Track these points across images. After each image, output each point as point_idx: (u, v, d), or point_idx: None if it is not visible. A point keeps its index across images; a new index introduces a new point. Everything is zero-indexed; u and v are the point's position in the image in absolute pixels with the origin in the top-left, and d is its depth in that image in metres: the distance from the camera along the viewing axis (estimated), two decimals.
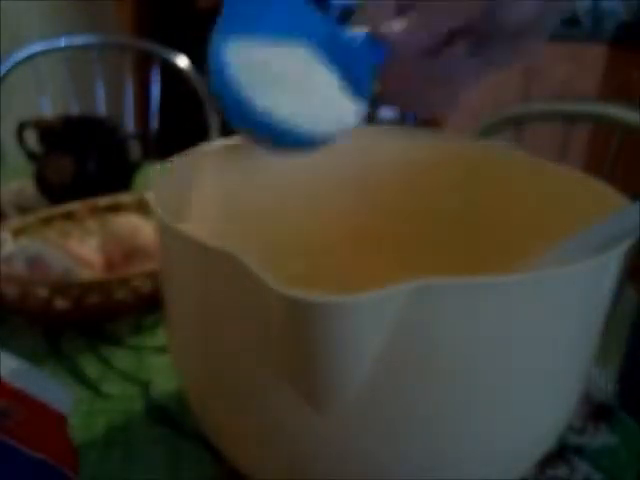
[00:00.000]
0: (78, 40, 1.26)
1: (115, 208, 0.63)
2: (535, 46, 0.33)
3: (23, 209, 0.69)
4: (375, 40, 0.32)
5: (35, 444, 0.28)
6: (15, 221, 0.58)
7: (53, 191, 0.72)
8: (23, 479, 0.27)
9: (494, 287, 0.21)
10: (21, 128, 0.75)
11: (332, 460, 0.25)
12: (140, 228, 0.56)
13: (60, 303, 0.46)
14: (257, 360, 0.24)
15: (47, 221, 0.60)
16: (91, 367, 0.45)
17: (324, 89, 0.32)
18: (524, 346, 0.23)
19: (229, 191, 0.39)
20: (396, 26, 0.31)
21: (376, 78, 0.33)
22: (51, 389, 0.32)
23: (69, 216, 0.61)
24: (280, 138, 0.31)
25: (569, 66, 2.44)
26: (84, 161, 0.72)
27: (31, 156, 0.75)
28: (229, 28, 0.30)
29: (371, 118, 2.56)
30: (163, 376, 0.44)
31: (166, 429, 0.39)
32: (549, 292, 0.22)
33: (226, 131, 0.33)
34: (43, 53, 1.22)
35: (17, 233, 0.56)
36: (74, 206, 0.62)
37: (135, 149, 0.78)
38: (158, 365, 0.46)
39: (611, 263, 0.25)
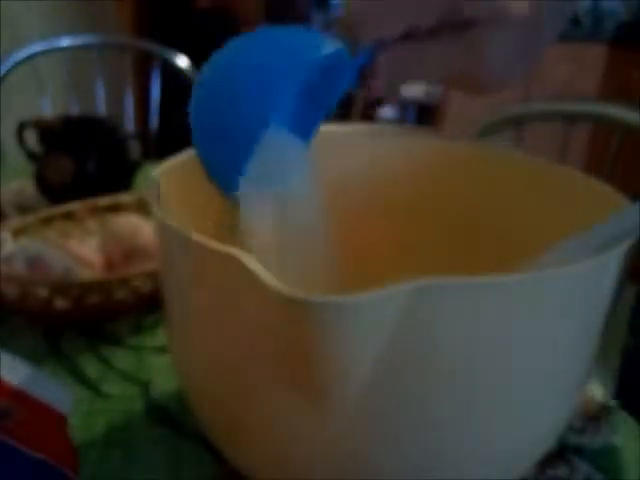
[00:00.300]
0: (78, 40, 1.26)
1: (115, 208, 0.63)
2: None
3: (23, 209, 0.69)
4: (353, 50, 0.30)
5: (35, 444, 0.28)
6: (15, 221, 0.58)
7: (53, 191, 0.72)
8: (23, 479, 0.27)
9: (494, 287, 0.21)
10: (21, 128, 0.75)
11: (332, 460, 0.25)
12: (140, 228, 0.56)
13: (60, 303, 0.46)
14: (257, 360, 0.24)
15: (47, 221, 0.60)
16: (91, 367, 0.45)
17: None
18: (524, 346, 0.23)
19: None
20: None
21: (364, 78, 0.32)
22: (51, 389, 0.32)
23: (69, 216, 0.61)
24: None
25: (569, 66, 2.44)
26: (84, 161, 0.72)
27: (31, 156, 0.75)
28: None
29: (371, 118, 2.56)
30: (163, 376, 0.44)
31: (166, 429, 0.39)
32: (549, 292, 0.22)
33: None
34: (43, 53, 1.22)
35: (17, 233, 0.56)
36: (74, 206, 0.62)
37: (135, 149, 0.78)
38: (158, 365, 0.46)
39: (611, 263, 0.25)
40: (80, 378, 0.44)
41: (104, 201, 0.63)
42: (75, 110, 1.31)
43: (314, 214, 0.32)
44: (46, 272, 0.50)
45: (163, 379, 0.44)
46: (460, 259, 0.39)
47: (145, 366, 0.46)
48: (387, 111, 2.62)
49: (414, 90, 2.55)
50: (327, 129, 0.42)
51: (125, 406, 0.41)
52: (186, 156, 0.35)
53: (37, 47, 1.21)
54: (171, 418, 0.40)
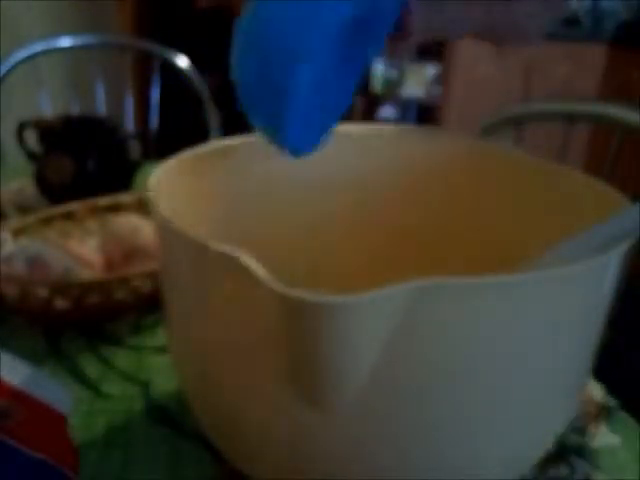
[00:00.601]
0: (78, 40, 1.26)
1: (115, 208, 0.63)
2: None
3: (23, 209, 0.69)
4: None
5: (35, 444, 0.28)
6: (15, 221, 0.58)
7: (53, 191, 0.72)
8: (23, 479, 0.27)
9: (494, 287, 0.21)
10: (21, 128, 0.75)
11: (332, 460, 0.25)
12: (140, 228, 0.56)
13: (60, 303, 0.46)
14: (257, 360, 0.24)
15: (47, 221, 0.60)
16: (91, 367, 0.45)
17: None
18: (524, 346, 0.23)
19: (229, 191, 0.39)
20: None
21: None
22: (51, 389, 0.32)
23: (69, 216, 0.61)
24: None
25: (569, 66, 2.44)
26: (84, 161, 0.72)
27: (31, 156, 0.75)
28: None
29: (371, 117, 2.56)
30: (163, 376, 0.44)
31: (166, 429, 0.39)
32: (549, 292, 0.22)
33: (226, 131, 0.33)
34: (43, 53, 1.22)
35: (17, 233, 0.56)
36: (74, 206, 0.62)
37: (135, 149, 0.78)
38: (158, 365, 0.46)
39: (611, 263, 0.25)
40: (80, 378, 0.44)
41: (104, 201, 0.63)
42: (75, 110, 1.30)
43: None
44: (46, 272, 0.50)
45: (163, 379, 0.44)
46: (460, 259, 0.39)
47: (145, 366, 0.46)
48: (387, 111, 2.62)
49: (414, 90, 2.55)
50: None
51: (125, 406, 0.41)
52: (186, 156, 0.35)
53: (37, 47, 1.21)
54: (171, 418, 0.40)
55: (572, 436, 0.39)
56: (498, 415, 0.24)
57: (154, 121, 1.30)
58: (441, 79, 2.51)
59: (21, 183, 0.75)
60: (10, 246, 0.52)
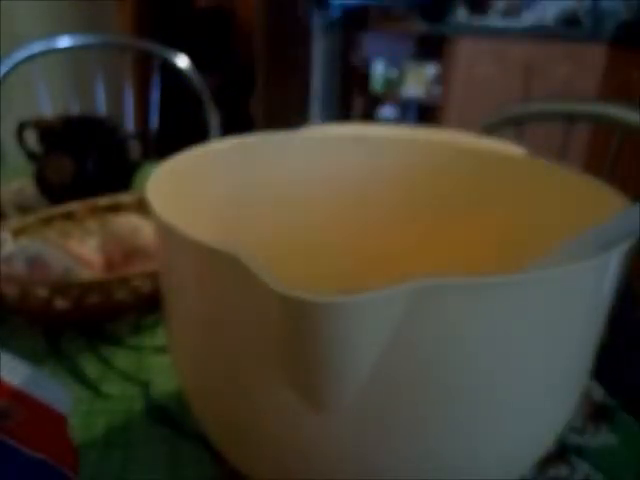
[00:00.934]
0: (78, 40, 1.26)
1: (115, 208, 0.63)
2: None
3: (23, 209, 0.69)
4: None
5: (35, 444, 0.28)
6: (15, 221, 0.58)
7: (53, 191, 0.72)
8: (23, 479, 0.27)
9: (494, 287, 0.21)
10: (21, 128, 0.75)
11: (332, 460, 0.25)
12: (140, 228, 0.56)
13: (60, 303, 0.46)
14: (257, 360, 0.24)
15: (47, 221, 0.60)
16: (91, 367, 0.45)
17: None
18: (524, 346, 0.23)
19: (229, 191, 0.39)
20: None
21: None
22: (51, 389, 0.32)
23: (69, 216, 0.61)
24: None
25: (569, 66, 2.44)
26: (84, 161, 0.72)
27: (31, 156, 0.75)
28: None
29: (371, 117, 2.56)
30: (163, 376, 0.44)
31: (166, 429, 0.39)
32: (549, 292, 0.22)
33: (226, 131, 0.33)
34: (43, 53, 1.22)
35: (17, 233, 0.56)
36: (74, 206, 0.62)
37: (135, 149, 0.78)
38: (158, 365, 0.46)
39: (611, 263, 0.25)
40: (80, 378, 0.44)
41: (104, 201, 0.63)
42: (75, 110, 1.31)
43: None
44: (46, 272, 0.50)
45: (163, 379, 0.44)
46: (460, 259, 0.39)
47: (145, 366, 0.46)
48: (387, 111, 2.62)
49: (414, 90, 2.55)
50: (327, 129, 0.42)
51: (125, 406, 0.41)
52: (185, 156, 0.35)
53: (37, 47, 1.21)
54: (171, 418, 0.40)
55: (572, 436, 0.39)
56: (498, 415, 0.24)
57: (154, 121, 1.31)
58: (441, 79, 2.51)
59: (21, 183, 0.75)
60: (10, 246, 0.52)
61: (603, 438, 0.39)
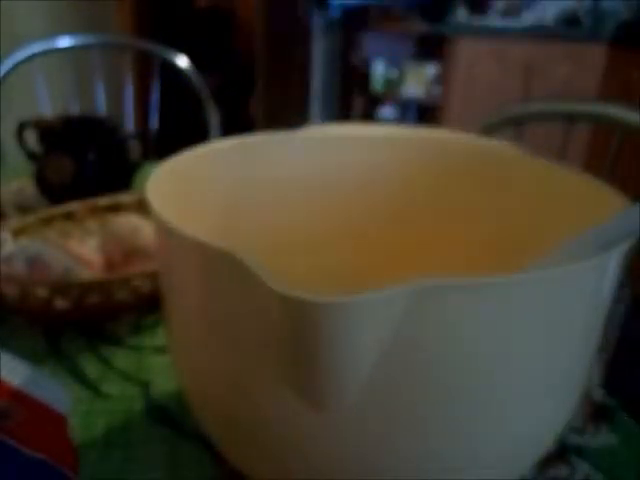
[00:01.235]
0: (78, 40, 1.26)
1: (115, 208, 0.63)
2: None
3: (23, 209, 0.69)
4: None
5: (35, 444, 0.28)
6: (15, 221, 0.58)
7: (53, 191, 0.72)
8: (23, 479, 0.27)
9: (494, 287, 0.21)
10: (21, 128, 0.75)
11: (332, 460, 0.25)
12: (140, 228, 0.56)
13: (60, 303, 0.46)
14: (257, 360, 0.24)
15: (47, 221, 0.60)
16: (91, 367, 0.45)
17: None
18: (524, 346, 0.23)
19: (229, 191, 0.39)
20: None
21: None
22: (51, 389, 0.32)
23: (69, 216, 0.61)
24: None
25: (569, 66, 2.44)
26: (84, 161, 0.72)
27: (31, 156, 0.75)
28: None
29: (371, 117, 2.56)
30: (163, 376, 0.44)
31: (166, 429, 0.39)
32: (549, 292, 0.22)
33: (226, 131, 0.33)
34: (43, 53, 1.22)
35: (17, 233, 0.56)
36: (74, 206, 0.62)
37: (135, 149, 0.78)
38: (158, 365, 0.46)
39: (611, 263, 0.25)
40: (80, 378, 0.44)
41: (104, 201, 0.63)
42: (75, 110, 1.31)
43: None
44: (46, 272, 0.50)
45: (163, 379, 0.44)
46: (460, 259, 0.39)
47: (145, 366, 0.46)
48: (387, 111, 2.62)
49: (414, 90, 2.55)
50: (327, 129, 0.42)
51: (125, 406, 0.41)
52: (185, 156, 0.35)
53: (37, 47, 1.21)
54: (171, 418, 0.40)
55: (572, 436, 0.39)
56: (498, 415, 0.24)
57: (154, 121, 1.31)
58: (441, 79, 2.51)
59: (21, 183, 0.75)
60: (10, 246, 0.52)
61: (603, 438, 0.39)
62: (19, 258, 0.51)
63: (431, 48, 2.55)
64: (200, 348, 0.28)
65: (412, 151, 0.42)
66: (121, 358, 0.46)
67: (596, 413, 0.41)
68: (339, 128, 0.42)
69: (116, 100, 1.38)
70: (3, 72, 1.17)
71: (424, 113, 2.65)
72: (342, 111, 2.69)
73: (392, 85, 2.59)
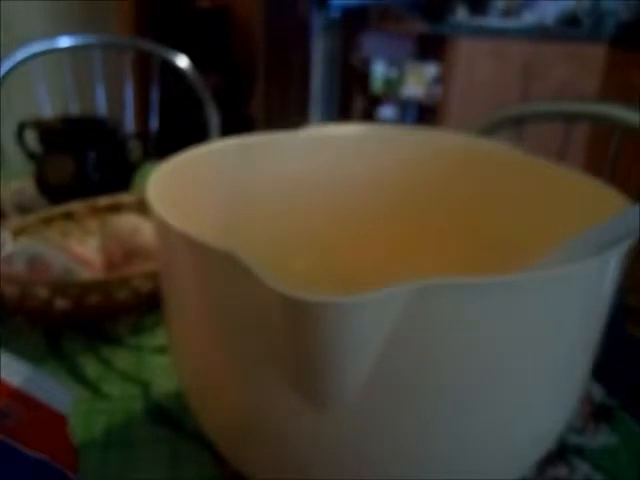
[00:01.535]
0: (78, 40, 1.26)
1: (115, 208, 0.63)
2: None
3: (23, 209, 0.69)
4: None
5: (35, 444, 0.28)
6: (15, 221, 0.58)
7: (53, 191, 0.72)
8: (23, 479, 0.27)
9: (494, 287, 0.21)
10: (21, 128, 0.75)
11: (332, 460, 0.25)
12: (140, 228, 0.56)
13: (60, 303, 0.46)
14: (257, 360, 0.24)
15: (47, 221, 0.60)
16: (91, 367, 0.45)
17: None
18: (525, 346, 0.23)
19: (229, 191, 0.39)
20: None
21: None
22: (51, 389, 0.32)
23: (69, 216, 0.61)
24: None
25: (569, 66, 2.44)
26: (84, 161, 0.72)
27: (31, 156, 0.75)
28: None
29: (371, 117, 2.56)
30: (163, 376, 0.44)
31: (166, 429, 0.39)
32: (549, 292, 0.22)
33: (226, 131, 0.33)
34: (43, 53, 1.22)
35: (17, 233, 0.56)
36: (74, 206, 0.62)
37: (135, 149, 0.78)
38: (158, 365, 0.46)
39: (611, 263, 0.25)
40: (80, 378, 0.44)
41: (104, 201, 0.63)
42: (75, 110, 1.31)
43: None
44: (46, 272, 0.50)
45: (163, 379, 0.44)
46: (460, 259, 0.39)
47: (145, 366, 0.45)
48: (387, 111, 2.62)
49: (414, 90, 2.55)
50: (327, 129, 0.42)
51: (125, 406, 0.41)
52: (185, 156, 0.35)
53: (37, 47, 1.21)
54: (171, 418, 0.40)
55: (572, 436, 0.39)
56: (498, 415, 0.24)
57: (154, 121, 1.31)
58: (441, 79, 2.51)
59: (21, 183, 0.75)
60: (10, 246, 0.52)
61: (603, 438, 0.39)
62: (19, 258, 0.50)
63: (431, 48, 2.55)
64: (200, 348, 0.28)
65: (412, 151, 0.42)
66: (121, 358, 0.46)
67: (596, 413, 0.41)
68: (339, 128, 0.42)
69: (116, 100, 1.38)
70: (3, 72, 1.17)
71: (424, 113, 2.65)
72: (342, 111, 2.69)
73: (392, 85, 2.59)
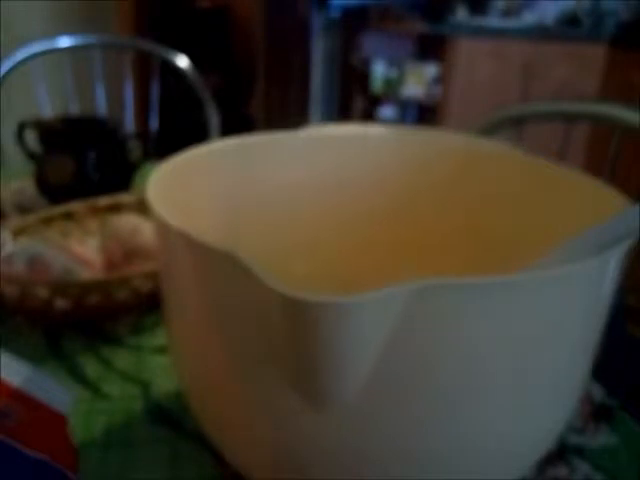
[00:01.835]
0: (78, 40, 1.26)
1: (115, 208, 0.63)
2: None
3: (23, 209, 0.69)
4: None
5: (35, 444, 0.28)
6: (15, 221, 0.58)
7: (53, 191, 0.72)
8: (23, 479, 0.27)
9: (494, 287, 0.21)
10: (21, 128, 0.75)
11: (332, 460, 0.25)
12: (140, 228, 0.56)
13: (60, 303, 0.46)
14: (257, 360, 0.24)
15: (47, 221, 0.60)
16: (91, 367, 0.45)
17: None
18: (524, 346, 0.23)
19: (229, 191, 0.39)
20: None
21: None
22: (51, 389, 0.32)
23: (69, 216, 0.61)
24: None
25: (569, 66, 2.44)
26: (84, 161, 0.72)
27: (31, 156, 0.75)
28: None
29: (371, 117, 2.56)
30: (163, 376, 0.44)
31: (166, 429, 0.39)
32: (549, 292, 0.22)
33: (226, 131, 0.33)
34: (43, 53, 1.22)
35: (17, 233, 0.56)
36: (74, 206, 0.62)
37: (135, 149, 0.78)
38: (158, 365, 0.46)
39: (611, 263, 0.25)
40: (80, 378, 0.44)
41: (104, 201, 0.63)
42: (75, 110, 1.31)
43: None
44: (46, 272, 0.50)
45: (163, 379, 0.44)
46: (460, 259, 0.39)
47: (145, 366, 0.45)
48: (387, 111, 2.62)
49: (414, 90, 2.55)
50: (327, 129, 0.42)
51: (125, 406, 0.41)
52: (185, 156, 0.35)
53: (37, 47, 1.21)
54: (171, 418, 0.40)
55: (572, 436, 0.39)
56: (498, 415, 0.24)
57: (154, 121, 1.31)
58: (441, 79, 2.51)
59: (21, 183, 0.75)
60: (10, 246, 0.52)
61: (603, 438, 0.39)
62: (19, 258, 0.50)
63: (431, 48, 2.55)
64: (200, 348, 0.28)
65: (412, 151, 0.42)
66: (121, 358, 0.46)
67: (596, 413, 0.41)
68: (339, 128, 0.42)
69: (116, 100, 1.38)
70: (3, 72, 1.17)
71: (424, 113, 2.65)
72: (342, 111, 2.69)
73: (392, 85, 2.59)
